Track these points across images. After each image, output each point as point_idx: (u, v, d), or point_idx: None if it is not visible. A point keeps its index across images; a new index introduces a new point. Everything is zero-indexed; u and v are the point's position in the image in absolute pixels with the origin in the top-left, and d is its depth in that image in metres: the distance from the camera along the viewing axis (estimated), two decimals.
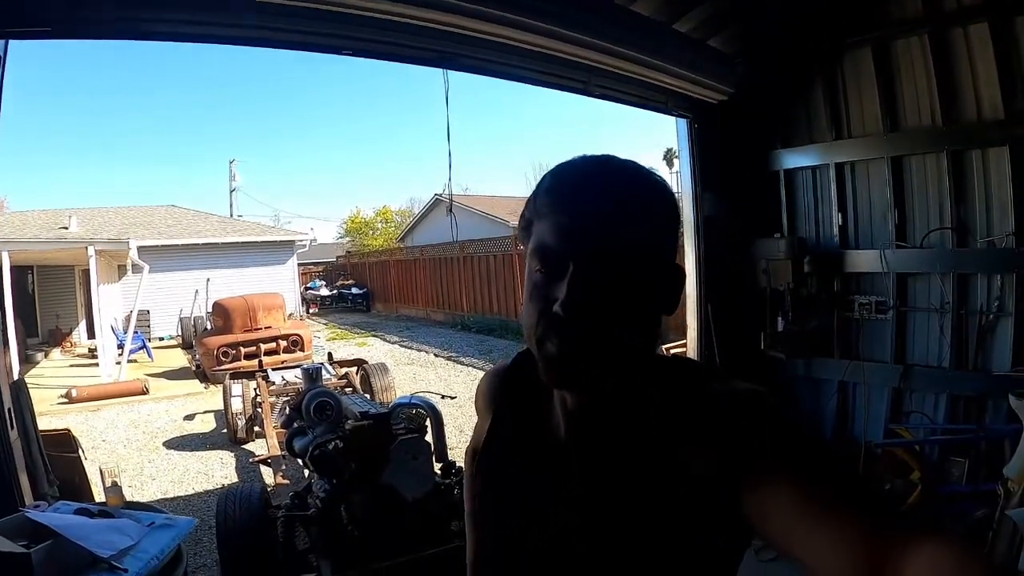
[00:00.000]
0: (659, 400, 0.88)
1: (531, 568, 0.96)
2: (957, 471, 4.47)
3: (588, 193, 0.86)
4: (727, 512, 0.78)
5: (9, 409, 3.16)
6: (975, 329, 4.53)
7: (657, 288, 0.89)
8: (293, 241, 24.00)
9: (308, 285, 30.25)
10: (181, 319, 19.41)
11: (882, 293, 5.00)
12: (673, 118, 5.49)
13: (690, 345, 5.80)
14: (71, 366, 15.22)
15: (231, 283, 19.84)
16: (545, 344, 0.86)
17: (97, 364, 13.46)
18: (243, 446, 8.32)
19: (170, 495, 6.64)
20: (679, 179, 5.85)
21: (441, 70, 4.18)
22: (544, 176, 0.91)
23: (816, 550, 0.68)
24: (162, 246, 20.21)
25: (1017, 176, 4.26)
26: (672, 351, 7.73)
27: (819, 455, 0.76)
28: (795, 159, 5.50)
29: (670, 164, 32.71)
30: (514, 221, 23.13)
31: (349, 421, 4.31)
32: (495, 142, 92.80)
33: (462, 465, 4.72)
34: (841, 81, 5.13)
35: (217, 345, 12.46)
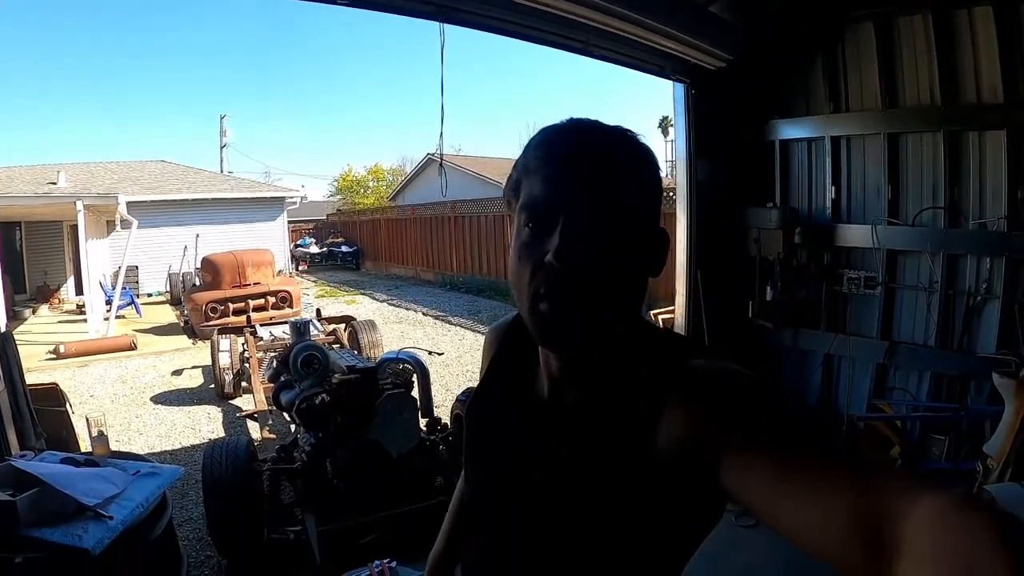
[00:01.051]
0: (643, 370, 0.87)
1: (518, 519, 0.98)
2: (937, 449, 4.53)
3: (579, 149, 0.87)
4: (704, 485, 0.77)
5: None
6: (962, 310, 4.56)
7: (644, 249, 0.90)
8: (284, 198, 23.79)
9: (298, 242, 30.14)
10: (170, 275, 19.27)
11: (871, 268, 5.02)
12: (670, 82, 5.45)
13: (678, 311, 5.82)
14: (59, 322, 15.07)
15: (220, 239, 19.73)
16: (538, 303, 0.85)
17: (85, 320, 13.34)
18: (230, 401, 8.34)
19: (157, 449, 6.65)
20: (674, 145, 5.82)
21: (438, 25, 4.11)
22: (534, 135, 0.92)
23: (804, 521, 0.65)
24: (151, 201, 20.00)
25: (1012, 160, 4.27)
26: (660, 316, 7.79)
27: (801, 427, 0.74)
28: (791, 130, 5.48)
29: (665, 132, 32.63)
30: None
31: (336, 375, 4.32)
32: (489, 104, 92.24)
33: (447, 422, 4.79)
34: (842, 55, 5.10)
35: (206, 301, 12.44)
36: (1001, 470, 3.25)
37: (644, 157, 0.90)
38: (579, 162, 0.86)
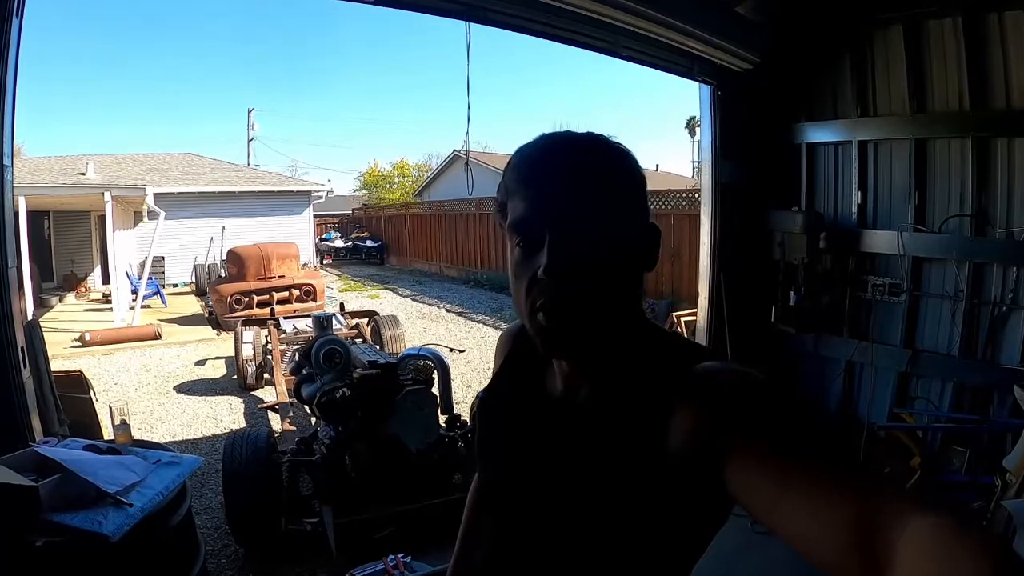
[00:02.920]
0: (652, 371, 0.89)
1: (529, 515, 1.00)
2: (958, 461, 4.46)
3: (552, 165, 0.90)
4: (711, 487, 0.78)
5: (22, 348, 3.20)
6: (987, 320, 4.49)
7: (633, 247, 0.92)
8: (310, 192, 23.93)
9: (323, 236, 30.27)
10: (195, 266, 19.47)
11: (896, 275, 4.96)
12: (697, 84, 5.42)
13: (700, 313, 5.80)
14: (85, 310, 15.29)
15: (246, 232, 19.86)
16: (536, 316, 0.89)
17: (111, 309, 13.54)
18: (252, 392, 8.43)
19: (179, 438, 6.74)
20: (699, 146, 5.80)
21: (464, 23, 4.12)
22: (511, 157, 0.95)
23: (802, 527, 0.66)
24: (178, 193, 20.13)
25: None
26: (683, 319, 7.77)
27: (805, 433, 0.75)
28: (818, 133, 5.42)
29: (692, 133, 32.48)
30: None
31: (357, 370, 4.35)
32: (517, 101, 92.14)
33: (467, 419, 4.81)
34: (870, 57, 5.03)
35: (230, 292, 12.54)
36: (1020, 485, 3.20)
37: (618, 159, 0.92)
38: (554, 177, 0.89)
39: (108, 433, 4.26)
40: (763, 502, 0.71)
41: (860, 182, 5.15)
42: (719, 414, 0.78)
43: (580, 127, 0.93)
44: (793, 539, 0.68)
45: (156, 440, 5.89)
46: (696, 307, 6.04)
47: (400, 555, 2.94)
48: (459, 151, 25.44)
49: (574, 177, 0.88)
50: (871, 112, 5.07)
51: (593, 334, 0.90)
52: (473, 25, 4.37)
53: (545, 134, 0.94)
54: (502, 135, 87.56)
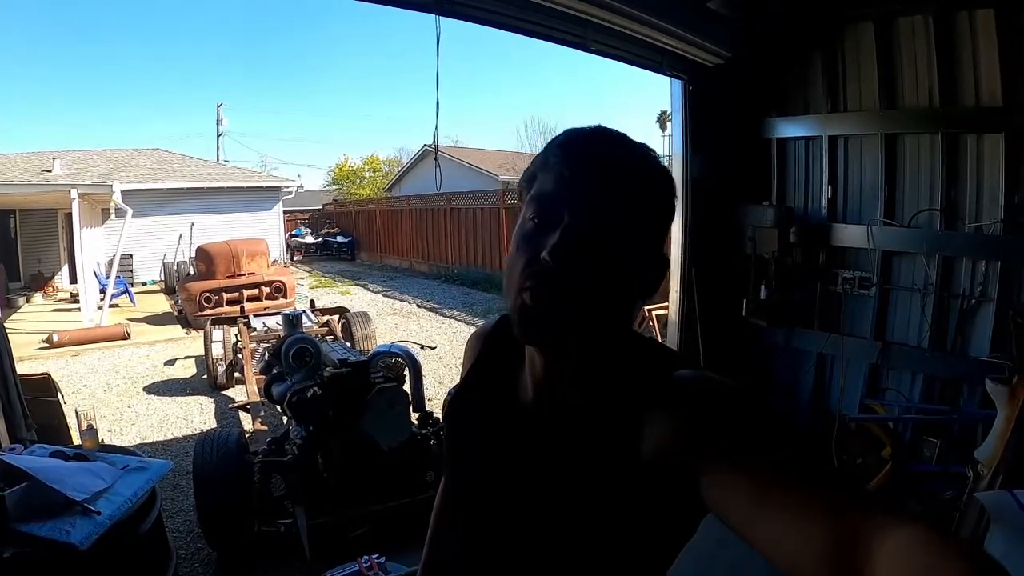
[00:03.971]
0: (627, 379, 0.88)
1: (496, 520, 0.98)
2: (929, 451, 4.51)
3: (598, 157, 0.88)
4: (684, 497, 0.77)
5: None
6: (956, 312, 4.53)
7: (641, 268, 0.90)
8: (279, 187, 23.77)
9: (293, 232, 30.07)
10: (164, 264, 19.23)
11: (866, 269, 4.99)
12: (667, 78, 5.42)
13: (672, 308, 5.81)
14: (53, 311, 15.06)
15: (215, 228, 19.73)
16: (523, 294, 0.86)
17: (79, 309, 13.35)
18: (223, 392, 8.36)
19: (149, 439, 6.66)
20: (670, 141, 5.80)
21: (435, 17, 4.09)
22: (559, 134, 0.93)
23: (779, 541, 0.66)
24: (146, 190, 19.89)
25: (1010, 164, 4.22)
26: (655, 312, 7.80)
27: (781, 444, 0.75)
28: (788, 128, 5.45)
29: (663, 127, 32.61)
30: (504, 175, 23.31)
31: (328, 368, 4.32)
32: (489, 96, 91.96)
33: (439, 416, 4.80)
34: (840, 53, 5.06)
35: (200, 290, 12.42)
36: (991, 476, 3.25)
37: (663, 181, 0.91)
38: (595, 169, 0.86)
39: (77, 436, 4.20)
40: (739, 515, 0.71)
41: (830, 177, 5.17)
42: (694, 426, 0.78)
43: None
44: (770, 553, 0.67)
45: (126, 442, 5.85)
46: (667, 301, 6.06)
47: (374, 556, 2.93)
48: (429, 146, 25.37)
49: (617, 177, 0.86)
50: (842, 108, 5.10)
51: (571, 330, 0.88)
52: (443, 19, 4.34)
53: (600, 126, 0.92)
54: (473, 130, 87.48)
